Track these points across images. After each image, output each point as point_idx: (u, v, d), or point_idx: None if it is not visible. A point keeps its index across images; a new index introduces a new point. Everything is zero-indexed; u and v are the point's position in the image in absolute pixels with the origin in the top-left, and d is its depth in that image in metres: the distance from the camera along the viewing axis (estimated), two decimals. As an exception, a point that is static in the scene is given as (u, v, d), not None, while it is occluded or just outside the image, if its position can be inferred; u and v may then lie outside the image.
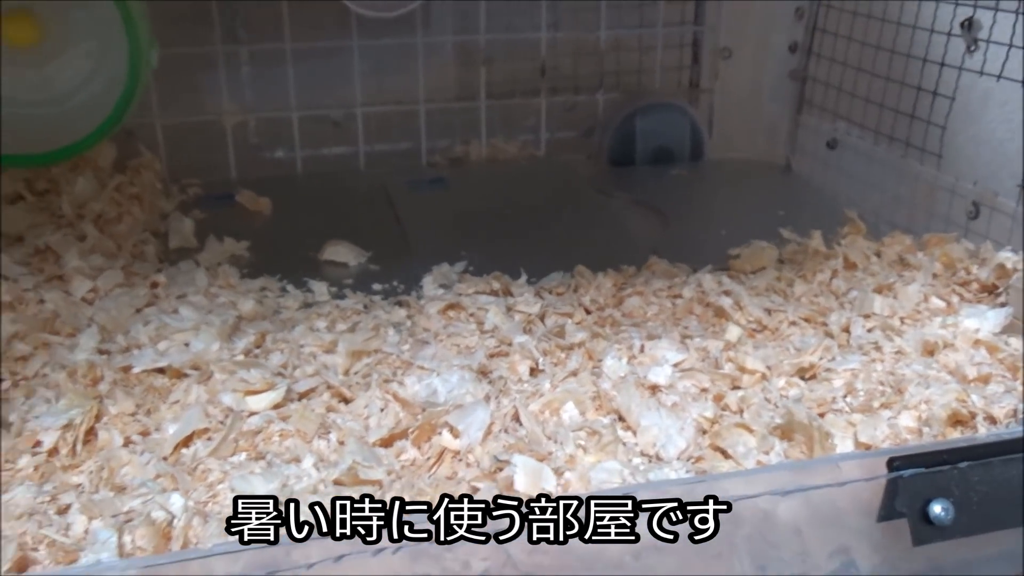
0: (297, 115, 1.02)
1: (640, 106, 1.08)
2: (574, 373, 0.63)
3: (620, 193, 1.02)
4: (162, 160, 0.98)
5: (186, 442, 0.56)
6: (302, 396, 0.61)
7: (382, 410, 0.59)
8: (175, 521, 0.47)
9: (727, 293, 0.75)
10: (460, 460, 0.55)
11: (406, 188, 1.01)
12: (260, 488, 0.50)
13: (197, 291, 0.75)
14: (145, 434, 0.57)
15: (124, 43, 0.85)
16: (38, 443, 0.55)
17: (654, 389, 0.62)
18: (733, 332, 0.68)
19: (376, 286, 0.80)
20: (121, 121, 0.84)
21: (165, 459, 0.55)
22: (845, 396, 0.62)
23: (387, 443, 0.56)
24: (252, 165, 1.03)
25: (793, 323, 0.71)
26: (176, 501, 0.48)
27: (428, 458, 0.55)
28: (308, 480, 0.51)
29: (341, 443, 0.56)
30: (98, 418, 0.58)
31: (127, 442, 0.56)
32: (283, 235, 0.90)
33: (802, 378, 0.64)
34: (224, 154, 1.02)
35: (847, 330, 0.70)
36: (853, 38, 0.97)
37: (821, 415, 0.59)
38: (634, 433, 0.58)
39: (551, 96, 1.09)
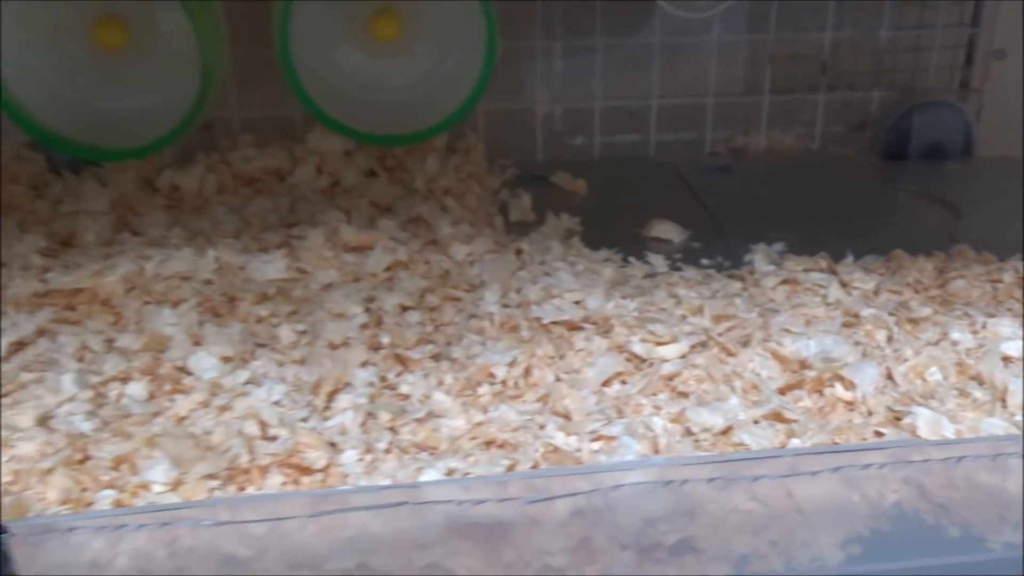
0: (599, 105, 1.12)
1: (918, 103, 1.14)
2: (932, 342, 0.71)
3: (901, 185, 1.08)
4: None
5: (607, 382, 0.67)
6: (692, 349, 0.70)
7: (767, 367, 0.68)
8: (658, 439, 0.57)
9: (1048, 279, 0.81)
10: (853, 410, 0.64)
11: (698, 174, 1.10)
12: (708, 419, 0.59)
13: (556, 259, 0.86)
14: (568, 373, 0.68)
15: (471, 35, 0.96)
16: (491, 375, 0.66)
17: (1007, 360, 0.69)
18: (1070, 313, 0.75)
19: (704, 261, 0.89)
20: (473, 106, 0.96)
21: (596, 393, 0.65)
22: None
23: (783, 391, 0.65)
24: (555, 149, 1.14)
25: (1120, 309, 0.77)
26: (657, 423, 0.58)
27: (821, 407, 0.64)
28: (745, 415, 0.60)
29: (746, 389, 0.65)
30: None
31: (558, 379, 0.67)
32: (603, 213, 0.99)
33: None
34: (532, 139, 1.13)
35: None
36: None
37: None
38: (1001, 398, 0.65)
39: (828, 92, 1.16)
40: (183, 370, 0.66)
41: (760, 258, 0.87)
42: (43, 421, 0.59)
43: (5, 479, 0.54)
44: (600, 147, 1.15)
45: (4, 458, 0.55)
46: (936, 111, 1.14)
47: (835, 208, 1.02)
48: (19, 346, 0.69)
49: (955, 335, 0.72)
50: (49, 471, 0.54)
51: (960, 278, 0.82)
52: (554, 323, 0.73)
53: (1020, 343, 0.70)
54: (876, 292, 0.80)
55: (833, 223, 0.98)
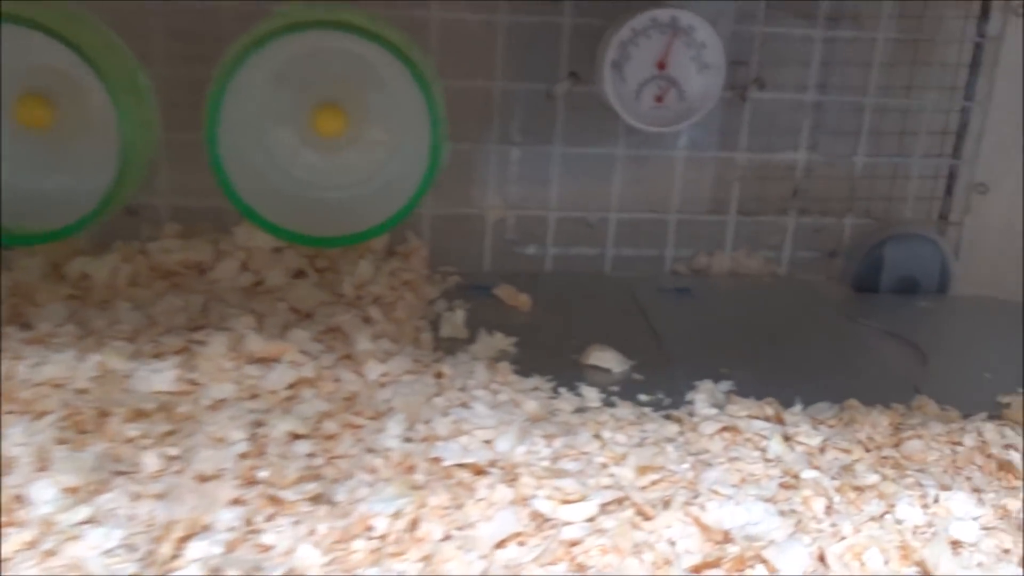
0: (555, 215, 1.06)
1: (892, 234, 1.08)
2: (875, 516, 0.63)
3: (868, 321, 1.01)
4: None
5: (501, 543, 0.59)
6: (603, 509, 0.62)
7: (686, 535, 0.60)
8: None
9: (1012, 447, 0.73)
10: (774, 597, 0.56)
11: (654, 295, 1.03)
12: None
13: (478, 385, 0.78)
14: (460, 529, 0.60)
15: (419, 137, 0.90)
16: (370, 527, 0.59)
17: (956, 545, 0.61)
18: (1032, 492, 0.67)
19: (642, 396, 0.81)
20: (413, 210, 0.89)
21: (484, 558, 0.57)
22: None
23: (698, 570, 0.57)
24: (504, 259, 1.07)
25: (1091, 488, 0.69)
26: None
27: (740, 591, 0.56)
28: (643, 603, 0.52)
29: (656, 564, 0.57)
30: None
31: (446, 536, 0.59)
32: (543, 333, 0.92)
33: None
34: (480, 246, 1.06)
35: None
36: None
37: None
38: (945, 591, 0.57)
39: (799, 216, 1.10)
40: (20, 499, 0.58)
41: (703, 398, 0.80)
42: None
43: None
44: (553, 259, 1.08)
45: None
46: (911, 244, 1.08)
47: (794, 343, 0.95)
48: None
49: (902, 510, 0.64)
50: None
51: (917, 438, 0.74)
52: (457, 466, 0.65)
53: (973, 525, 0.62)
54: (822, 449, 0.72)
55: (789, 360, 0.91)
